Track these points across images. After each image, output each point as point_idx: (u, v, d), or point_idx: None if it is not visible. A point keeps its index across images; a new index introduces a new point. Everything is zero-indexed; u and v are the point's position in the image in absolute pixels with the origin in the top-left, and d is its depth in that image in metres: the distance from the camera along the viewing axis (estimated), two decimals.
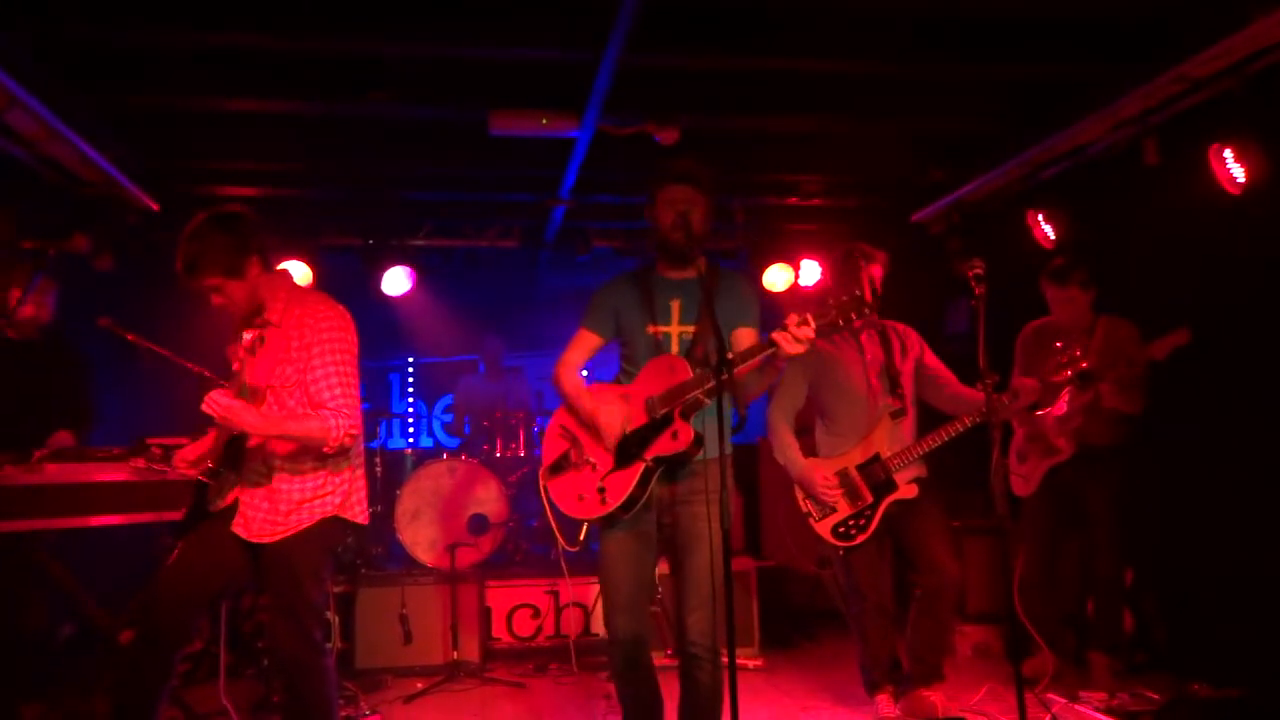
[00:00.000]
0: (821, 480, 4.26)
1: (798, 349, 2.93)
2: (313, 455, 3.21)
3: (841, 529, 4.25)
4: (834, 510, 4.26)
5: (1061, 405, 4.74)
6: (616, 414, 3.24)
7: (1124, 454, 4.71)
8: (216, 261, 3.14)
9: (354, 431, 3.19)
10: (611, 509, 3.21)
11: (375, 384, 9.26)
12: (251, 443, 3.25)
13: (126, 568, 4.67)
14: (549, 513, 3.42)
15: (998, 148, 5.62)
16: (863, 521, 4.23)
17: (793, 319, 2.92)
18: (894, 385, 4.34)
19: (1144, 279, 5.02)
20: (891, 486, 4.22)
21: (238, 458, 3.26)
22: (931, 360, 4.51)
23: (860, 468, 4.27)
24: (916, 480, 4.25)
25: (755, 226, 7.01)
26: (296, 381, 3.21)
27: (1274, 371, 4.37)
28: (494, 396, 7.56)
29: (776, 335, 2.95)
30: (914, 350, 4.51)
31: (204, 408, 3.02)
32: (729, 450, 3.23)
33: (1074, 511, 4.80)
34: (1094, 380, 4.54)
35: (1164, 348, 4.38)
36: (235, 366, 3.30)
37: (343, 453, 3.25)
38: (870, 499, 4.23)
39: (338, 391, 3.19)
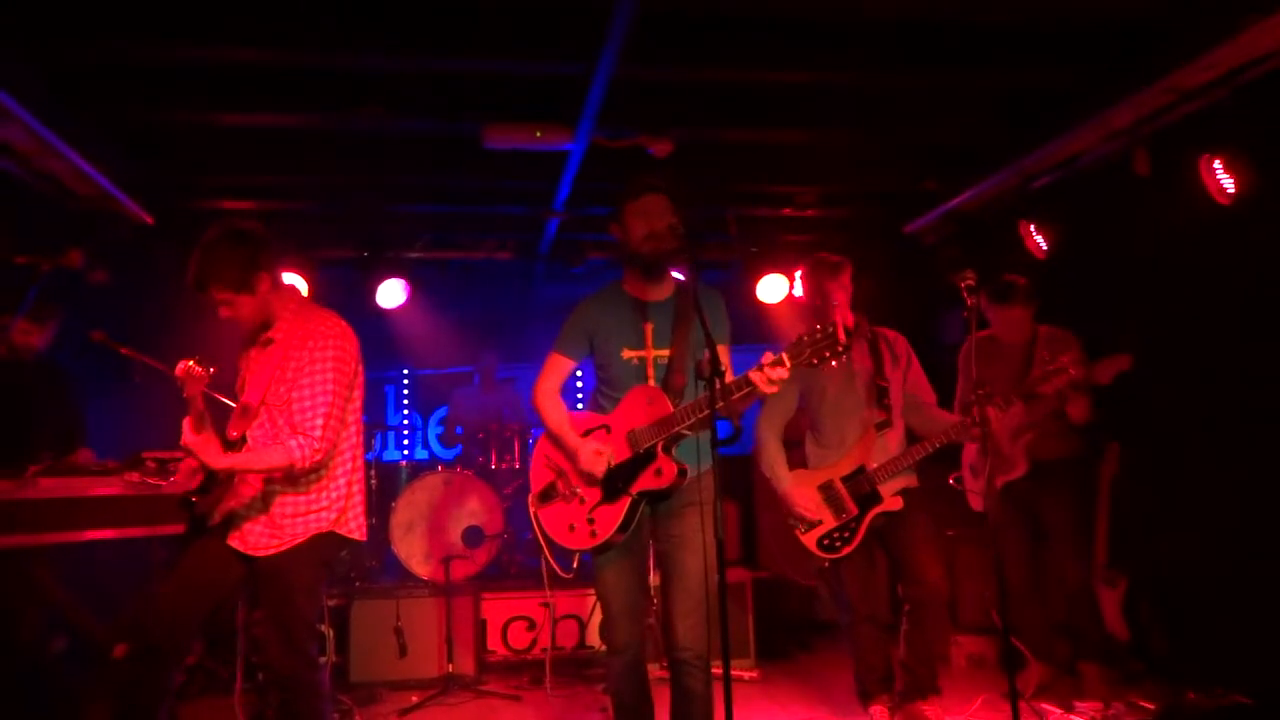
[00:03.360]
0: (800, 499, 4.29)
1: (772, 389, 2.96)
2: (306, 472, 3.21)
3: (826, 541, 4.28)
4: (819, 523, 4.29)
5: (1008, 420, 4.66)
6: (600, 454, 3.25)
7: (1075, 466, 4.75)
8: (226, 276, 3.17)
9: (318, 448, 3.15)
10: (602, 541, 3.25)
11: (370, 396, 9.21)
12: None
13: (121, 582, 4.66)
14: (542, 542, 3.44)
15: (989, 158, 5.64)
16: (847, 534, 4.25)
17: (767, 358, 2.95)
18: (880, 396, 4.34)
19: (1134, 289, 5.04)
20: (876, 499, 4.23)
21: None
22: (915, 375, 4.51)
23: (845, 480, 4.29)
24: (905, 491, 4.26)
25: (748, 237, 7.02)
26: (288, 399, 3.21)
27: (1266, 379, 4.39)
28: (489, 409, 7.56)
29: (753, 375, 2.97)
30: (903, 360, 4.51)
31: (181, 441, 3.08)
32: (707, 466, 3.25)
33: (1036, 523, 4.82)
34: (1034, 396, 4.50)
35: (1107, 371, 4.35)
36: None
37: (320, 469, 3.24)
38: (855, 511, 4.25)
39: (310, 414, 3.17)
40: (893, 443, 4.33)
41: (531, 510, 3.48)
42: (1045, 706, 4.40)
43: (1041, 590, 4.90)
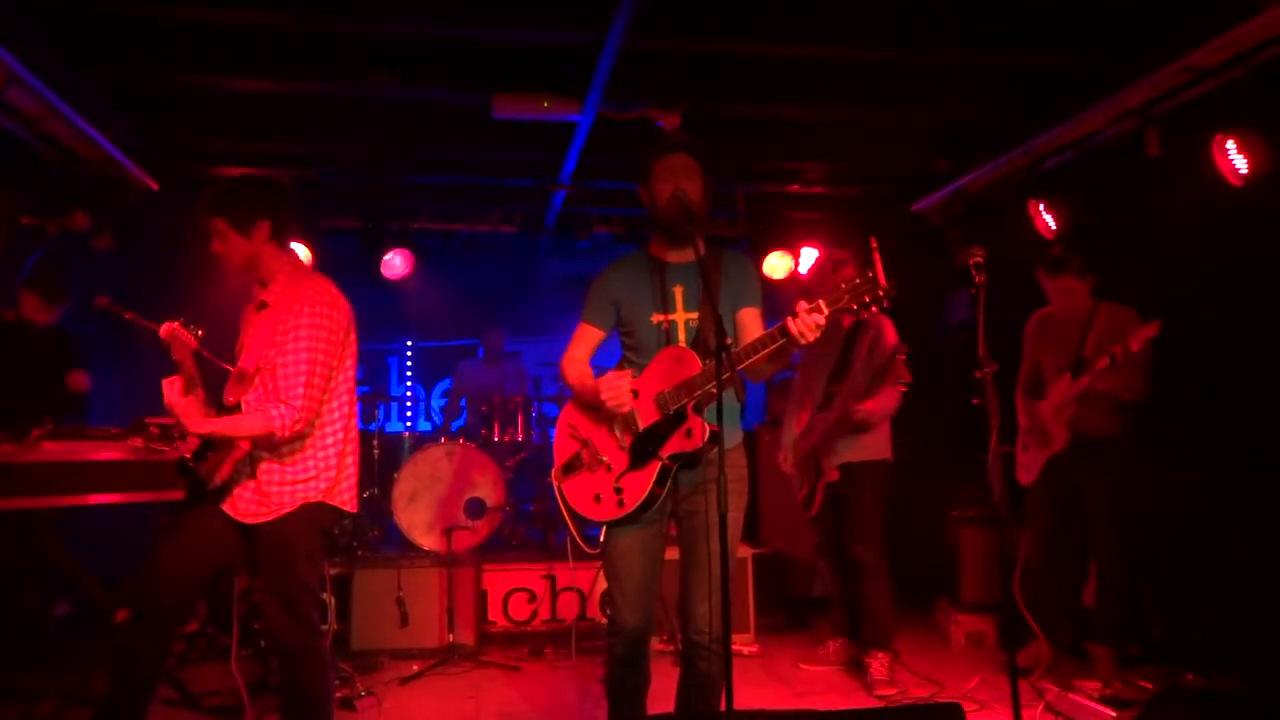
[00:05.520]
0: (781, 458, 5.19)
1: (811, 337, 2.84)
2: (289, 440, 3.20)
3: (804, 499, 5.08)
4: (803, 482, 5.05)
5: (1055, 395, 4.74)
6: (621, 383, 3.09)
7: (1120, 444, 4.69)
8: (231, 209, 3.20)
9: (298, 416, 3.12)
10: (630, 510, 3.10)
11: (373, 367, 9.25)
12: None
13: (123, 546, 4.68)
14: (565, 515, 3.29)
15: (1000, 137, 5.60)
16: (810, 495, 5.01)
17: (803, 306, 2.83)
18: (831, 381, 4.93)
19: (1145, 270, 5.01)
20: (820, 470, 4.93)
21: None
22: (876, 356, 4.85)
23: (816, 448, 4.97)
24: (845, 466, 4.85)
25: (756, 214, 7.00)
26: (274, 365, 3.19)
27: (1274, 363, 4.37)
28: (492, 382, 7.57)
29: (789, 323, 2.84)
30: (865, 345, 4.88)
31: (165, 401, 3.13)
32: (733, 444, 3.21)
33: (1074, 502, 4.79)
34: (1087, 368, 4.56)
35: (1137, 339, 4.34)
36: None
37: (301, 438, 3.22)
38: (815, 477, 4.97)
39: (291, 382, 3.14)
40: (829, 422, 4.89)
41: (555, 484, 3.32)
42: (1045, 685, 4.41)
43: (1059, 570, 4.89)
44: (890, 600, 4.85)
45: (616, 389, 3.09)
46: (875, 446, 4.86)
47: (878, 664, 4.72)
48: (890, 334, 4.87)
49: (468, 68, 4.89)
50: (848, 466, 4.83)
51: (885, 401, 4.80)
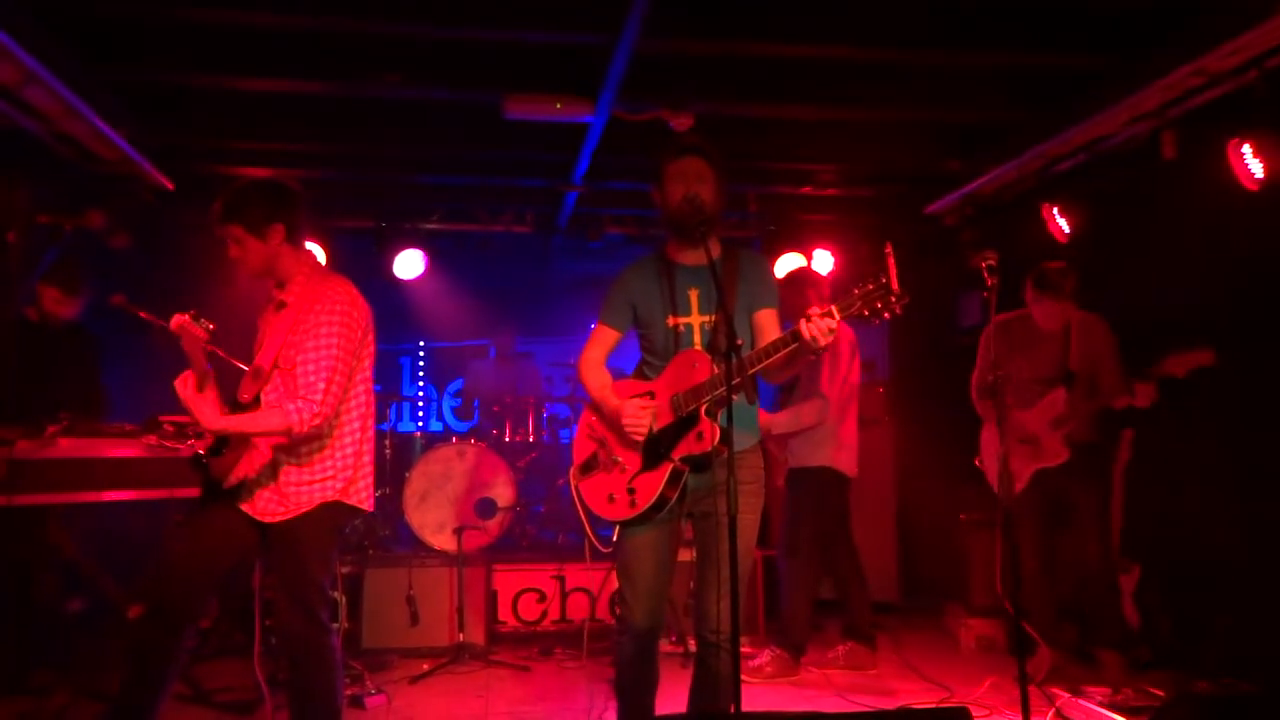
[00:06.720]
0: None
1: (823, 341, 2.82)
2: (308, 439, 3.21)
3: None
4: None
5: (1048, 408, 4.71)
6: (643, 413, 3.13)
7: (1107, 451, 4.71)
8: (246, 214, 3.21)
9: (317, 412, 3.12)
10: (641, 510, 3.12)
11: (386, 367, 9.28)
12: None
13: (137, 543, 4.71)
14: (581, 514, 3.32)
15: (1013, 139, 5.58)
16: None
17: (816, 311, 2.81)
18: (792, 386, 5.05)
19: (1159, 274, 4.99)
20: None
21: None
22: (824, 366, 4.97)
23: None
24: (789, 472, 5.08)
25: (768, 215, 6.99)
26: (294, 363, 3.20)
27: None
28: (504, 382, 7.58)
29: (802, 327, 2.83)
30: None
31: (179, 397, 3.15)
32: (745, 446, 3.22)
33: (1062, 509, 4.80)
34: (1076, 381, 4.55)
35: (1185, 365, 4.30)
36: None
37: (321, 437, 3.23)
38: None
39: (312, 379, 3.15)
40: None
41: (573, 483, 3.36)
42: (1054, 690, 4.40)
43: (1053, 575, 4.88)
44: (803, 603, 5.00)
45: (638, 418, 3.13)
46: (809, 454, 5.00)
47: (766, 654, 4.95)
48: (844, 340, 4.94)
49: (480, 68, 4.89)
50: (790, 472, 5.07)
51: (790, 415, 4.94)
